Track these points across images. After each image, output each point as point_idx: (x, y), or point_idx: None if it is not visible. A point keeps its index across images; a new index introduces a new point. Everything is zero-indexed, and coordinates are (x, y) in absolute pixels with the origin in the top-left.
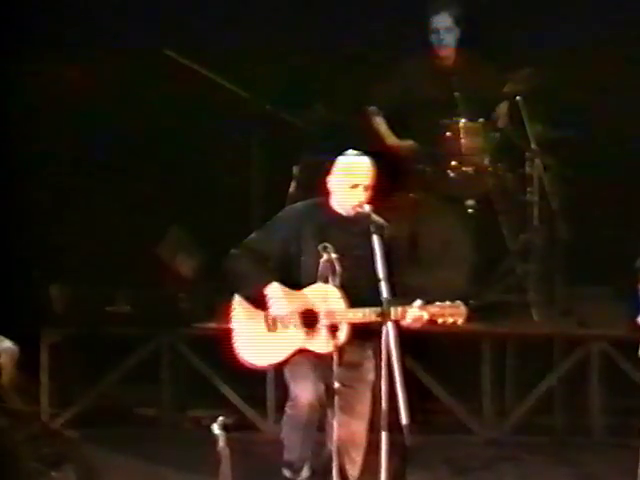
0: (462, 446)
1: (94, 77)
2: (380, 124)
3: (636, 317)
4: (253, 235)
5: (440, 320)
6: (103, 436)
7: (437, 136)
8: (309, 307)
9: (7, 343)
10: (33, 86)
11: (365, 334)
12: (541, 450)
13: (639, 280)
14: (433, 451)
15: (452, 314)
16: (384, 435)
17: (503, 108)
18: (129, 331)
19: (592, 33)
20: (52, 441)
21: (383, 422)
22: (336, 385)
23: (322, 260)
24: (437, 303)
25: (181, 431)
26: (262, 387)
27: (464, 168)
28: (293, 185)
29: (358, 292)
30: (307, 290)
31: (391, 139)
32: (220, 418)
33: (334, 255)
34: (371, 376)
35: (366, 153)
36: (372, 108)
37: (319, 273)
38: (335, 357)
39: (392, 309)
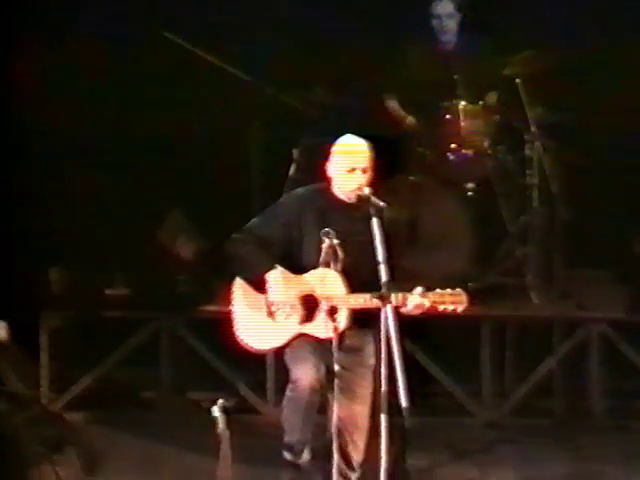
0: (462, 428)
1: (92, 63)
2: (395, 108)
3: None
4: (255, 220)
5: (441, 307)
6: (103, 419)
7: (437, 118)
8: (310, 292)
9: None
10: (31, 75)
11: (366, 319)
12: (541, 432)
13: None
14: (433, 433)
15: (453, 302)
16: (384, 418)
17: (492, 98)
18: (129, 314)
19: (592, 17)
20: (53, 424)
21: (383, 405)
22: (336, 368)
23: (324, 246)
24: (438, 290)
25: (181, 414)
26: (262, 370)
27: (464, 151)
28: (293, 168)
29: (360, 277)
30: (308, 275)
31: (400, 114)
32: (220, 401)
33: (336, 241)
34: (372, 360)
35: (363, 136)
36: (389, 94)
37: (321, 259)
38: (335, 341)
39: (393, 296)
